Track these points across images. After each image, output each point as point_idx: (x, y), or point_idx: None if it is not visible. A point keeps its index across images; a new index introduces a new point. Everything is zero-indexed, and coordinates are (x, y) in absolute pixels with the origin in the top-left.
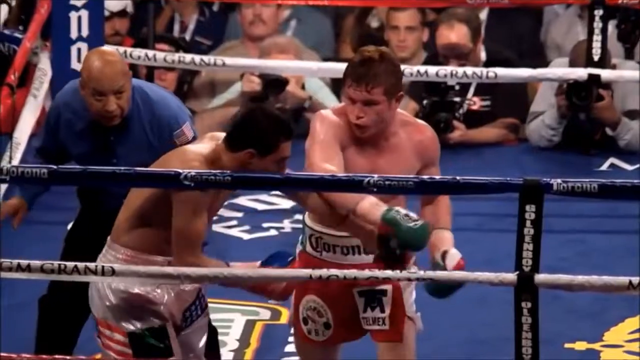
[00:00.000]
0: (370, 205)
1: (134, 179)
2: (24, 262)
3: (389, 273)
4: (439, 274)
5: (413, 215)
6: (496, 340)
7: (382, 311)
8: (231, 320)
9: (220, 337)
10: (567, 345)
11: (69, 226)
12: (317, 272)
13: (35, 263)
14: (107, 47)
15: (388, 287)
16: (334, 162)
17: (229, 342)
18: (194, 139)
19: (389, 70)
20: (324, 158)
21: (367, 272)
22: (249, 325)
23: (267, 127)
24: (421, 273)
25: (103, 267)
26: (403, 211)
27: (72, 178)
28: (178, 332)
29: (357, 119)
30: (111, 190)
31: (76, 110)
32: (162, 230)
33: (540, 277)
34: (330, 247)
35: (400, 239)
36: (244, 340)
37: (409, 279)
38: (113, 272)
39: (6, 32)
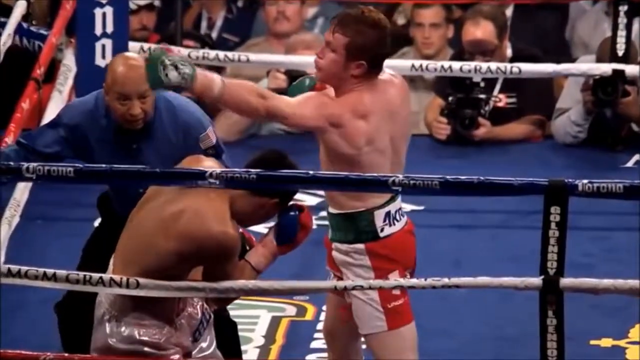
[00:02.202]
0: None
1: (159, 177)
2: (49, 271)
3: (413, 281)
4: (464, 280)
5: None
6: (521, 337)
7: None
8: (257, 316)
9: (246, 334)
10: (592, 342)
11: (88, 237)
12: (341, 284)
13: (61, 273)
14: (131, 45)
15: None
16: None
17: (255, 338)
18: (217, 142)
19: (366, 30)
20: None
21: (392, 282)
22: (275, 322)
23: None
24: (445, 280)
25: (128, 279)
26: (174, 59)
27: (99, 177)
28: (189, 354)
29: (317, 56)
30: (132, 200)
31: (96, 123)
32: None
33: (565, 281)
34: None
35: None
36: (270, 336)
37: (434, 287)
38: (137, 285)
39: (32, 28)
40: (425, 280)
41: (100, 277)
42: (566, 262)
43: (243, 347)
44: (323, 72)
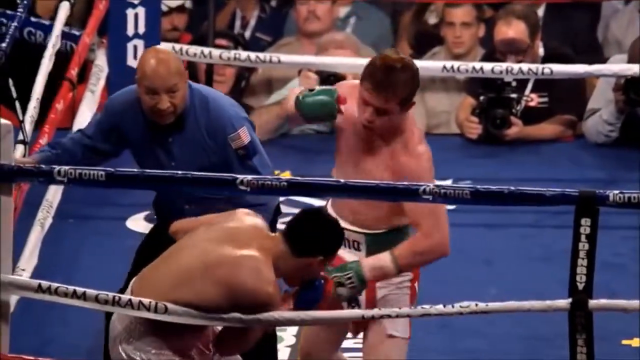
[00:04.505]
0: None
1: (191, 182)
2: (79, 290)
3: (441, 308)
4: (492, 306)
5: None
6: (553, 337)
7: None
8: None
9: (278, 333)
10: (624, 342)
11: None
12: (369, 313)
13: (91, 292)
14: (163, 45)
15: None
16: None
17: (286, 337)
18: (251, 143)
19: (407, 80)
20: None
21: (420, 309)
22: None
23: (336, 237)
24: (473, 306)
25: (156, 304)
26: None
27: (129, 181)
28: None
29: (368, 122)
30: (185, 200)
31: (133, 116)
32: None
33: (593, 303)
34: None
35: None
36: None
37: (461, 313)
38: (166, 310)
39: (64, 29)
40: (453, 307)
41: (130, 300)
42: (596, 261)
43: None
44: (379, 128)
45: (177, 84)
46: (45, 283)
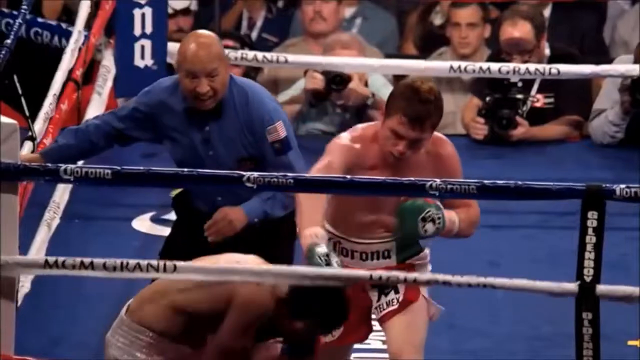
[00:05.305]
0: (309, 234)
1: (197, 180)
2: (86, 260)
3: (449, 278)
4: (500, 281)
5: (335, 258)
6: (557, 336)
7: (397, 292)
8: None
9: None
10: (630, 343)
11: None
12: (376, 274)
13: (98, 261)
14: (170, 45)
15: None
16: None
17: None
18: (286, 137)
19: (440, 108)
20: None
21: (429, 275)
22: None
23: (338, 312)
24: (482, 279)
25: (165, 264)
26: (323, 252)
27: (136, 179)
28: None
29: (401, 154)
30: (217, 192)
31: (173, 104)
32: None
33: (601, 288)
34: (348, 252)
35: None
36: None
37: (469, 285)
38: (175, 269)
39: (69, 29)
40: (462, 277)
41: (138, 263)
42: (603, 261)
43: None
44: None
45: (217, 68)
46: (51, 258)
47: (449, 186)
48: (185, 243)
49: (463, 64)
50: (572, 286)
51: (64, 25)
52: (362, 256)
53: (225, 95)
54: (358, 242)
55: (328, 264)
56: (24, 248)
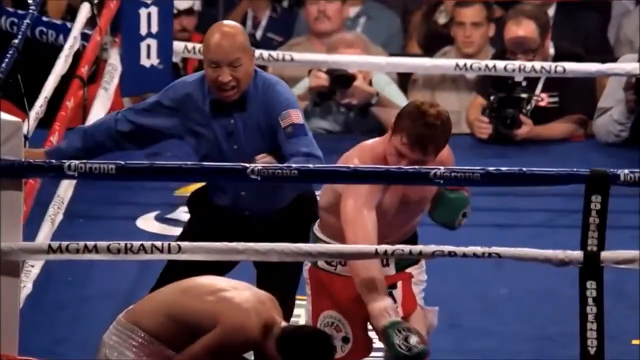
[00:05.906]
0: (379, 311)
1: (201, 173)
2: (90, 244)
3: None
4: (506, 250)
5: (414, 338)
6: (561, 336)
7: (394, 302)
8: (298, 315)
9: None
10: (634, 342)
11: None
12: (382, 248)
13: (102, 244)
14: (175, 44)
15: (398, 281)
16: (371, 217)
17: None
18: (301, 124)
19: (446, 132)
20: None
21: (432, 247)
22: None
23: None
24: (487, 249)
25: (169, 244)
26: (404, 330)
27: (140, 173)
28: None
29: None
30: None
31: (197, 100)
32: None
33: (605, 254)
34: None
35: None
36: None
37: (475, 255)
38: (179, 249)
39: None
40: (467, 247)
41: (142, 245)
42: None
43: None
44: None
45: (240, 58)
46: (54, 243)
47: (452, 174)
48: (207, 239)
49: (469, 61)
50: (577, 254)
51: (68, 25)
52: None
53: (250, 87)
54: None
55: (409, 349)
56: None
